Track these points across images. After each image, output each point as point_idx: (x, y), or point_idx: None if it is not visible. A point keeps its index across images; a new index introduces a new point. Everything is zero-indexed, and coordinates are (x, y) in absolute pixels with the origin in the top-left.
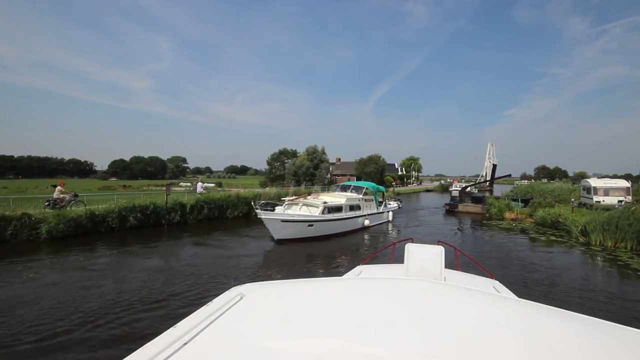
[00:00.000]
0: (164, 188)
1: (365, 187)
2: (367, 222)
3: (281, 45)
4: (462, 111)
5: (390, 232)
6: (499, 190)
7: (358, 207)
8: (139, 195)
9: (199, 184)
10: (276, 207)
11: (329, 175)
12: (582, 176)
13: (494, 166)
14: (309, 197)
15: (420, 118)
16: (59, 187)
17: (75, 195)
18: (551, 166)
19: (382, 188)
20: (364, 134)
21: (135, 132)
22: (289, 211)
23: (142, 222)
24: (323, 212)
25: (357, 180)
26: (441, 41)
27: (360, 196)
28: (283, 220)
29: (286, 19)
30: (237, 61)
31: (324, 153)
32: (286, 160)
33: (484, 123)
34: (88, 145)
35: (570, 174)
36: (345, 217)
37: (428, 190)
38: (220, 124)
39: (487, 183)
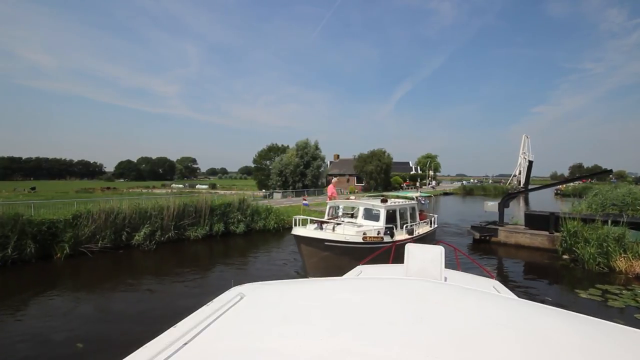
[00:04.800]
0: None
1: None
2: None
3: (304, 48)
4: (486, 109)
5: None
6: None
7: None
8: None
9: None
10: None
11: (325, 178)
12: (621, 175)
13: (530, 163)
14: None
15: (441, 117)
16: None
17: None
18: (587, 164)
19: None
20: (384, 133)
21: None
22: None
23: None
24: None
25: (357, 181)
26: (466, 38)
27: None
28: None
29: (310, 21)
30: (261, 64)
31: (317, 149)
32: (276, 158)
33: (509, 121)
34: (98, 147)
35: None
36: None
37: (446, 193)
38: (242, 126)
39: (520, 184)
